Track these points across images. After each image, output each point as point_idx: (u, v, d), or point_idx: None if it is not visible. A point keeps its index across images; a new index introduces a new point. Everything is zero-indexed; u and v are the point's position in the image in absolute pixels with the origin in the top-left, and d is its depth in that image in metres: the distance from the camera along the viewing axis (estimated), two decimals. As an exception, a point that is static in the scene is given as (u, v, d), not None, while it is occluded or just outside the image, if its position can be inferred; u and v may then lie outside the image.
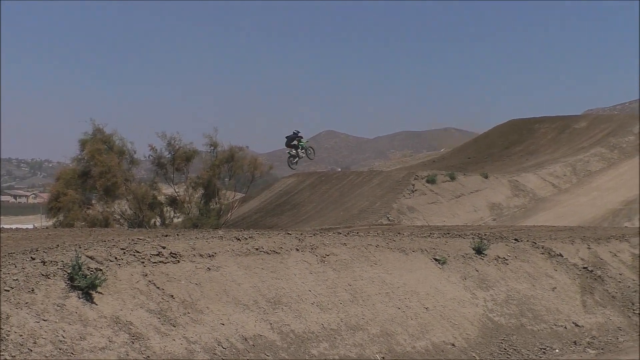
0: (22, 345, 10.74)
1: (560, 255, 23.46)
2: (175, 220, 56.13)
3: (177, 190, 56.50)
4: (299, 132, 39.96)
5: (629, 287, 23.37)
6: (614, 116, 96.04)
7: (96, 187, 52.29)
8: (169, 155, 56.36)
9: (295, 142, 39.57)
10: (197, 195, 56.80)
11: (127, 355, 11.77)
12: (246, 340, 13.70)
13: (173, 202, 56.29)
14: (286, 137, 39.87)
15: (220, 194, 57.79)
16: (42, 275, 12.37)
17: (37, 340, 10.95)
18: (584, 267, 23.41)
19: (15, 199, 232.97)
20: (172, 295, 13.69)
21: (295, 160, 39.81)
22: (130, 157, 55.85)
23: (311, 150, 40.62)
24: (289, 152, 39.70)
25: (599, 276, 23.29)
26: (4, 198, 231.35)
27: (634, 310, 22.16)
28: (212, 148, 57.52)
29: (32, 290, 11.86)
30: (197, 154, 57.56)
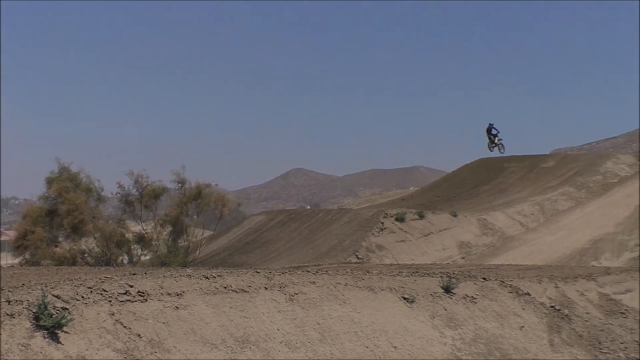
0: (-14, 385, 10.62)
1: (528, 294, 23.54)
2: (143, 258, 55.83)
3: (145, 227, 56.28)
4: (493, 124, 54.10)
5: (596, 326, 23.48)
6: (582, 156, 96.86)
7: (63, 225, 51.96)
8: (137, 193, 56.23)
9: (493, 132, 52.74)
10: (165, 233, 56.63)
11: (93, 395, 11.67)
12: (213, 379, 13.63)
13: (141, 239, 56.05)
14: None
15: (188, 232, 57.63)
16: (7, 314, 12.25)
17: (1, 381, 10.83)
18: (552, 306, 23.49)
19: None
20: (139, 335, 13.59)
21: (493, 146, 52.01)
22: (97, 194, 55.66)
23: (502, 146, 54.15)
24: (489, 138, 53.12)
25: (566, 315, 23.38)
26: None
27: (600, 349, 22.25)
28: (180, 185, 57.48)
29: (-3, 330, 11.74)
30: (165, 191, 57.45)
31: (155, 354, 13.35)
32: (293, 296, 17.69)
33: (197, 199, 57.14)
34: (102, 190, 56.07)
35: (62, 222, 51.73)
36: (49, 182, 52.96)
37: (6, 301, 12.74)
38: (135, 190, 56.26)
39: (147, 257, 55.73)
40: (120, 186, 56.34)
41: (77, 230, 52.20)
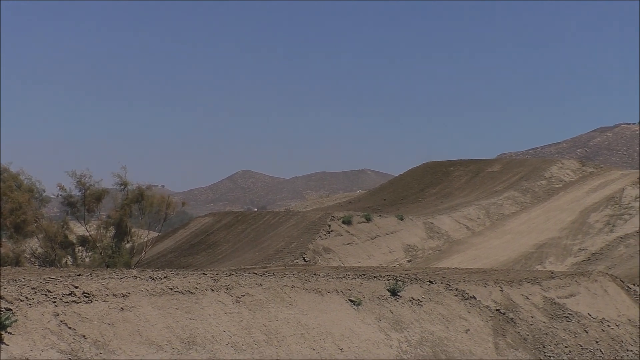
0: None
1: (474, 297, 23.72)
2: (87, 259, 55.30)
3: (88, 229, 55.73)
4: None
5: (540, 329, 23.73)
6: (527, 160, 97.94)
7: (6, 225, 51.33)
8: (80, 194, 55.63)
9: None
10: (108, 235, 56.12)
11: (37, 397, 11.55)
12: (159, 381, 13.56)
13: (85, 241, 55.52)
14: None
15: (132, 233, 57.17)
16: (-50, 314, 12.10)
17: (-58, 382, 10.69)
18: (497, 310, 23.70)
19: None
20: (84, 336, 13.48)
21: None
22: (39, 195, 55.02)
23: None
24: None
25: (511, 319, 23.59)
26: None
27: (544, 352, 22.50)
28: (122, 187, 56.97)
29: (-61, 330, 11.58)
30: (106, 193, 56.90)
31: (101, 355, 13.25)
32: (239, 298, 17.66)
33: (140, 201, 56.72)
34: (44, 192, 55.49)
35: (5, 222, 51.10)
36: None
37: (-52, 301, 12.59)
38: (78, 190, 55.67)
39: (91, 259, 55.21)
40: (61, 188, 55.71)
41: (20, 230, 51.56)
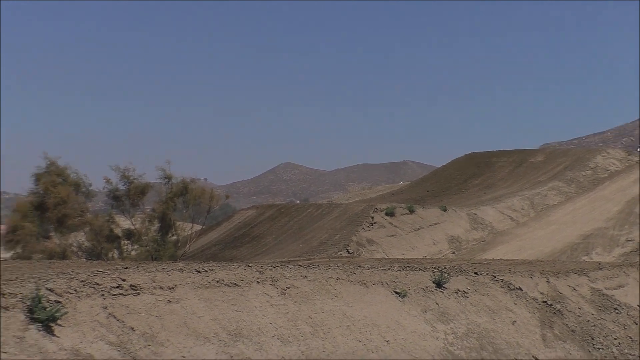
0: (-20, 378, 10.60)
1: (520, 288, 23.57)
2: (133, 252, 55.74)
3: (133, 223, 56.20)
4: None
5: (589, 321, 23.53)
6: (571, 150, 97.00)
7: (51, 219, 51.90)
8: (124, 187, 56.08)
9: None
10: (153, 228, 56.52)
11: (87, 388, 11.66)
12: (207, 373, 13.63)
13: (130, 234, 55.98)
14: None
15: (176, 226, 57.53)
16: (2, 307, 12.22)
17: (-5, 374, 10.81)
18: (544, 301, 23.53)
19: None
20: (133, 328, 13.58)
21: None
22: (86, 189, 55.57)
23: None
24: None
25: (559, 310, 23.42)
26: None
27: (593, 344, 22.30)
28: (166, 180, 57.32)
29: (-9, 323, 11.72)
30: (150, 188, 57.30)
31: (149, 347, 13.34)
32: (285, 290, 17.69)
33: (184, 194, 57.04)
34: (90, 185, 56.06)
35: (50, 216, 51.66)
36: (38, 177, 52.87)
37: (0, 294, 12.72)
38: (122, 184, 56.14)
39: (137, 252, 55.64)
40: (107, 181, 56.21)
41: (63, 223, 52.11)
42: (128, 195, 56.26)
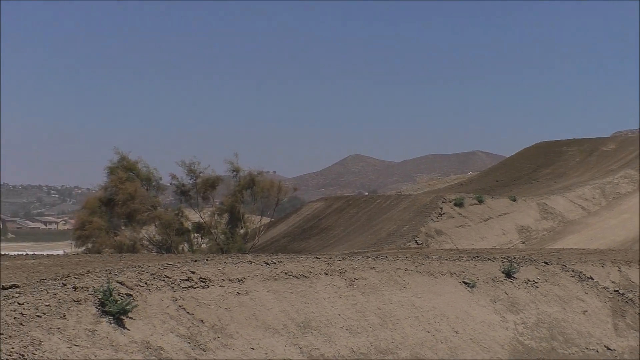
0: (54, 370, 10.80)
1: (591, 278, 23.30)
2: (203, 245, 56.19)
3: (202, 216, 56.66)
4: None
5: (661, 309, 23.17)
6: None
7: (120, 214, 52.61)
8: (191, 182, 56.51)
9: None
10: (222, 221, 56.87)
11: (158, 380, 11.81)
12: (276, 364, 13.72)
13: (200, 228, 56.42)
14: None
15: (244, 219, 57.81)
16: (74, 300, 12.44)
17: (69, 366, 11.01)
18: (615, 290, 23.23)
19: (46, 225, 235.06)
20: (202, 320, 13.72)
21: None
22: (157, 183, 56.17)
23: None
24: None
25: (631, 299, 23.10)
26: (34, 225, 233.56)
27: (666, 333, 21.96)
28: (234, 173, 57.57)
29: (64, 316, 11.93)
30: (221, 181, 57.62)
31: (219, 339, 13.46)
32: (353, 281, 17.72)
33: (252, 187, 57.23)
34: (161, 179, 56.61)
35: (120, 211, 52.36)
36: (111, 171, 53.60)
37: (72, 287, 12.94)
38: (189, 179, 56.56)
39: (207, 245, 56.06)
40: (173, 177, 56.71)
41: (132, 219, 52.79)
42: (196, 189, 56.71)
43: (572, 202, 60.11)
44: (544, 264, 23.47)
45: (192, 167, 56.39)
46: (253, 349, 13.72)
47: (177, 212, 56.15)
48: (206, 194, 57.17)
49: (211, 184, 56.93)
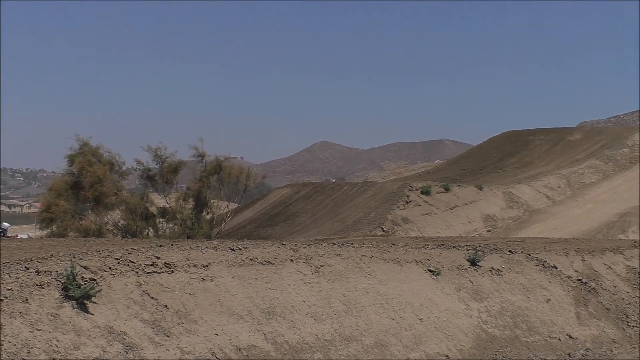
0: (15, 354, 10.71)
1: (555, 267, 23.47)
2: (168, 231, 55.93)
3: (168, 201, 56.40)
4: None
5: (623, 299, 23.37)
6: (608, 128, 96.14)
7: (88, 198, 52.15)
8: (157, 167, 56.13)
9: None
10: (188, 207, 56.63)
11: (121, 365, 11.75)
12: (240, 350, 13.69)
13: (165, 213, 56.14)
14: None
15: (211, 205, 57.61)
16: (36, 285, 12.35)
17: (30, 350, 10.92)
18: (578, 279, 23.41)
19: (10, 209, 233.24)
20: (166, 305, 13.67)
21: None
22: (119, 168, 55.76)
23: None
24: None
25: (593, 288, 23.29)
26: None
27: (628, 322, 22.16)
28: (199, 159, 57.28)
29: (26, 300, 11.84)
30: (183, 165, 57.26)
31: (183, 324, 13.42)
32: (319, 268, 17.73)
33: (218, 172, 56.96)
34: (124, 165, 56.21)
35: (86, 195, 51.91)
36: (71, 158, 52.99)
37: (35, 272, 12.84)
38: (155, 163, 56.18)
39: (171, 230, 55.81)
40: (138, 162, 56.33)
41: (100, 202, 52.41)
42: (161, 174, 56.40)
43: (538, 191, 60.47)
44: (508, 253, 23.61)
45: (158, 152, 56.04)
46: (217, 334, 13.70)
47: (142, 196, 55.81)
48: (169, 178, 56.82)
49: (174, 168, 56.61)
